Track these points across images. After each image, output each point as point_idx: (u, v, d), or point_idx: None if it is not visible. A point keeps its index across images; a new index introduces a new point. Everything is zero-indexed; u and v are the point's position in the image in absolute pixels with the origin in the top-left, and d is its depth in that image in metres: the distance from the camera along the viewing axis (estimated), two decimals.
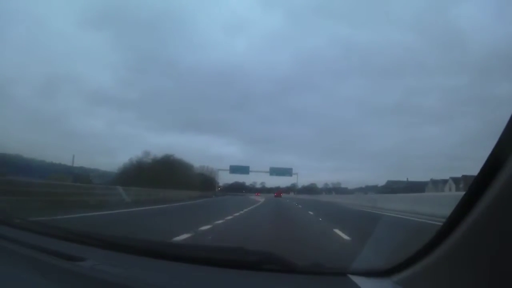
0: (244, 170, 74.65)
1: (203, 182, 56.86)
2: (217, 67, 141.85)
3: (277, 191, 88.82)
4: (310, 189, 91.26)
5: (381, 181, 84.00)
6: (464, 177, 52.93)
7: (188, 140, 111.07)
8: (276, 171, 75.20)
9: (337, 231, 6.73)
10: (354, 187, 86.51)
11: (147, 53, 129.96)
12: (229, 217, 9.83)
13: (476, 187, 0.81)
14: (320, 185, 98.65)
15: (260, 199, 38.39)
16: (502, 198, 0.73)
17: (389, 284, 1.21)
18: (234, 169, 74.33)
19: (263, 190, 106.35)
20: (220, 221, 8.31)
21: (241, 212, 12.97)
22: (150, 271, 1.44)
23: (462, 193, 0.94)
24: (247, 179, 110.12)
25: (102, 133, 77.63)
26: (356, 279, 1.34)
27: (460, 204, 0.88)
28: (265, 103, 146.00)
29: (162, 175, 34.64)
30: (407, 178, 77.78)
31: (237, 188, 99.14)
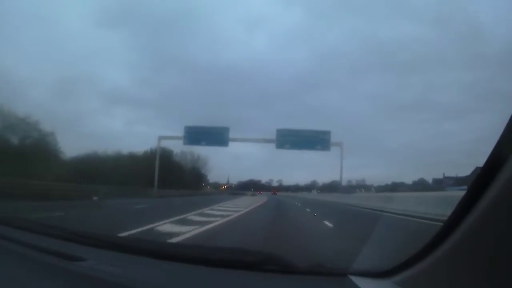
0: (213, 137, 35.06)
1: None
2: (236, 64, 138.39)
3: (273, 189, 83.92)
4: (333, 187, 57.35)
5: (406, 178, 79.03)
6: None
7: None
8: (290, 139, 35.01)
9: None
10: (378, 185, 74.36)
11: (164, 51, 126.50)
12: None
13: (476, 187, 0.81)
14: (342, 182, 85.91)
15: (248, 205, 20.64)
16: (502, 198, 0.73)
17: (389, 284, 1.21)
18: (192, 136, 35.32)
19: (276, 188, 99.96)
20: None
21: None
22: (150, 271, 1.45)
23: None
24: (262, 177, 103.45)
25: (120, 132, 77.88)
26: (357, 279, 1.33)
27: (460, 205, 0.87)
28: (283, 100, 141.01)
29: None
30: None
31: (248, 187, 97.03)
